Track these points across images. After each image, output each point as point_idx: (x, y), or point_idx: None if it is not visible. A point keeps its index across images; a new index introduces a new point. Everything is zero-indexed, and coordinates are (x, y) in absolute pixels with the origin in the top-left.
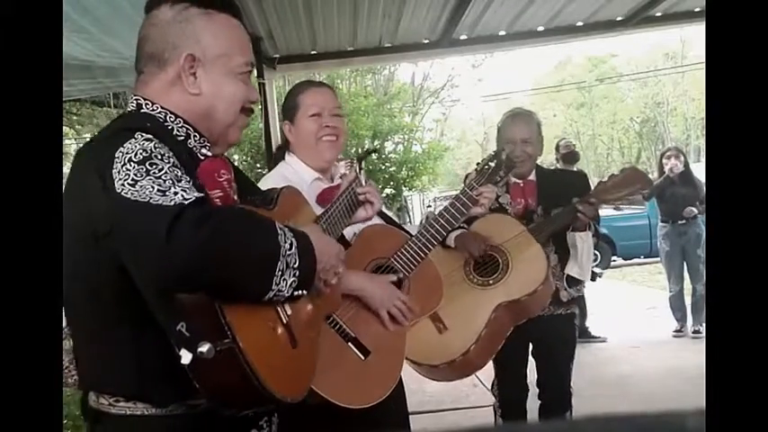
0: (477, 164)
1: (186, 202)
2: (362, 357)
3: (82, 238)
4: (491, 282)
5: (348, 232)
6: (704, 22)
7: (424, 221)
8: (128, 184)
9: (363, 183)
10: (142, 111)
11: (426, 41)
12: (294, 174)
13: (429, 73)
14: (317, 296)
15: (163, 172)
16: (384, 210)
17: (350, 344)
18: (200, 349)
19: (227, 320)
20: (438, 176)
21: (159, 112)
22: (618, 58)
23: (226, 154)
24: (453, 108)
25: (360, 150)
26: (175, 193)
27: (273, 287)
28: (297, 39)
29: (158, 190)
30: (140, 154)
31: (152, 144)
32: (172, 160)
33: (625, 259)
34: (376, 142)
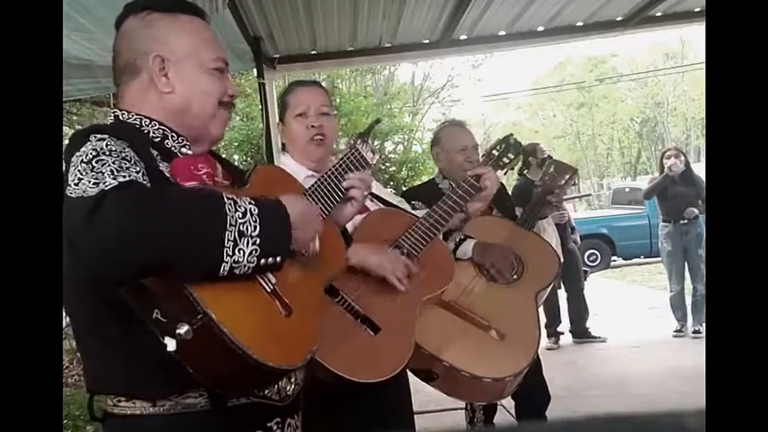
0: (485, 150)
1: (107, 188)
2: (373, 334)
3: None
4: (515, 277)
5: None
6: (704, 22)
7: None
8: (73, 184)
9: (363, 158)
10: (119, 120)
11: (426, 41)
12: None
13: (429, 73)
14: (308, 260)
15: (105, 165)
16: (383, 195)
17: (360, 321)
18: (178, 331)
19: (194, 296)
20: None
21: (135, 119)
22: (618, 58)
23: (225, 155)
24: (453, 108)
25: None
26: (105, 183)
27: (226, 258)
28: (297, 39)
29: (93, 183)
30: (90, 154)
31: (104, 143)
32: (123, 154)
33: (625, 259)
34: (376, 142)
